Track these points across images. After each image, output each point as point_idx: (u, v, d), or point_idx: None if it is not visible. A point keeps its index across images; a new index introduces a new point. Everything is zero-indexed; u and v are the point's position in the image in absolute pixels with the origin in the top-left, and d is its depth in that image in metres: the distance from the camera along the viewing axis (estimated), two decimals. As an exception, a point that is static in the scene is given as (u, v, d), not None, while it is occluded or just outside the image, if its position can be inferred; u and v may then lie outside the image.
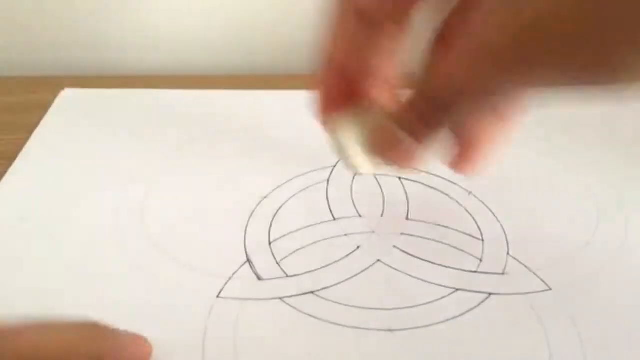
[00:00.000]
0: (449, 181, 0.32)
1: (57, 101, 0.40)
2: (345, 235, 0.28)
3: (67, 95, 0.41)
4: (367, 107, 0.23)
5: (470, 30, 0.18)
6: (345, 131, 0.24)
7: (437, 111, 0.20)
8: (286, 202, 0.31)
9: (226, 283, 0.26)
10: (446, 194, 0.31)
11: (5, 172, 0.33)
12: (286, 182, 0.32)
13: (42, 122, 0.38)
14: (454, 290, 0.26)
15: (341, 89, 0.24)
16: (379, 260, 0.27)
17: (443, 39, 0.23)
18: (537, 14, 0.16)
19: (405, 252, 0.27)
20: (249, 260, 0.27)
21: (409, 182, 0.32)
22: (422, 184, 0.32)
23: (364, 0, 0.21)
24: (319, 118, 0.25)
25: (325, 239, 0.28)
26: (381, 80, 0.24)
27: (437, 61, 0.19)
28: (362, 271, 0.26)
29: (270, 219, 0.29)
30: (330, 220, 0.29)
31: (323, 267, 0.27)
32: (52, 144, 0.36)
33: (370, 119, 0.23)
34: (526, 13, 0.16)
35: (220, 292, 0.25)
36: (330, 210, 0.30)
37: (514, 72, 0.18)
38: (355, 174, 0.26)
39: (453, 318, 0.24)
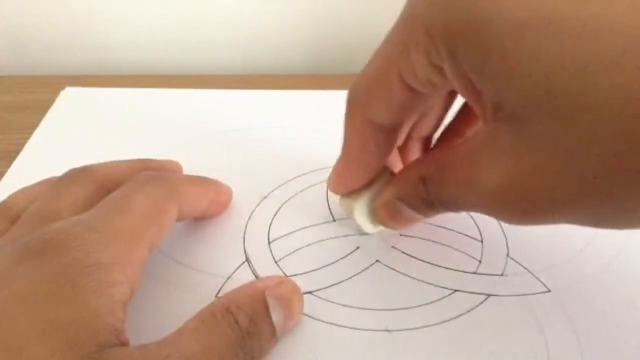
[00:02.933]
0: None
1: (58, 100, 0.40)
2: (345, 236, 0.28)
3: (68, 95, 0.41)
4: (377, 184, 0.26)
5: (475, 168, 0.20)
6: (355, 202, 0.26)
7: (436, 205, 0.23)
8: (286, 202, 0.31)
9: (225, 282, 0.26)
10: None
11: (5, 172, 0.33)
12: (286, 182, 0.32)
13: (43, 121, 0.38)
14: (452, 291, 0.26)
15: (357, 179, 0.26)
16: (377, 261, 0.27)
17: (446, 138, 0.27)
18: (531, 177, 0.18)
19: (404, 253, 0.27)
20: (247, 260, 0.27)
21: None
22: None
23: (376, 115, 0.23)
24: (335, 192, 0.27)
25: (325, 240, 0.28)
26: (395, 166, 0.27)
27: (443, 167, 0.22)
28: (361, 271, 0.26)
29: (270, 219, 0.29)
30: (329, 221, 0.29)
31: (322, 267, 0.27)
32: (53, 144, 0.36)
33: (378, 194, 0.26)
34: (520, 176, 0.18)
35: (218, 292, 0.25)
36: (330, 211, 0.30)
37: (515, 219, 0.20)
38: (362, 234, 0.29)
39: (451, 319, 0.24)
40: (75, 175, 0.25)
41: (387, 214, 0.25)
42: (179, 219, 0.25)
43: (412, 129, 0.27)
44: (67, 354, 0.17)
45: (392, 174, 0.26)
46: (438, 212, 0.24)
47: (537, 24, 0.16)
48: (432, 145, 0.28)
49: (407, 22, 0.20)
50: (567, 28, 0.15)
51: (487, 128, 0.19)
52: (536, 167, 0.17)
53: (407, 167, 0.25)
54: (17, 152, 0.35)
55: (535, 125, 0.17)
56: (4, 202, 0.25)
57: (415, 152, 0.28)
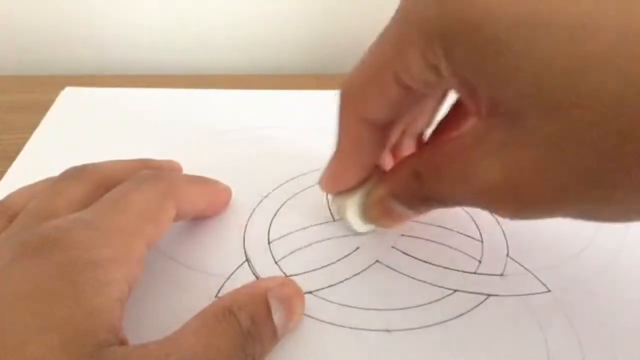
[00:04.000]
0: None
1: (58, 100, 0.40)
2: (344, 236, 0.28)
3: (68, 94, 0.41)
4: (369, 183, 0.26)
5: (471, 160, 0.20)
6: (347, 200, 0.26)
7: (430, 200, 0.23)
8: (286, 202, 0.31)
9: (224, 282, 0.26)
10: (446, 195, 0.31)
11: (5, 171, 0.33)
12: (286, 182, 0.32)
13: (43, 121, 0.38)
14: (452, 291, 0.26)
15: (350, 177, 0.26)
16: (377, 261, 0.27)
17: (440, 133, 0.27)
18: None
19: (404, 253, 0.27)
20: (247, 260, 0.27)
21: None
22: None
23: (370, 114, 0.23)
24: (328, 192, 0.28)
25: (324, 240, 0.28)
26: (386, 163, 0.27)
27: (435, 163, 0.22)
28: (361, 271, 0.26)
29: (270, 218, 0.30)
30: (329, 221, 0.29)
31: (322, 267, 0.27)
32: (53, 143, 0.36)
33: (370, 192, 0.26)
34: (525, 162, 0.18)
35: (218, 292, 0.25)
36: (330, 211, 0.30)
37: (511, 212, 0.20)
38: (355, 234, 0.28)
39: (452, 319, 0.24)
40: (74, 174, 0.25)
41: (379, 212, 0.25)
42: (177, 218, 0.25)
43: (405, 125, 0.27)
44: (65, 353, 0.17)
45: (384, 172, 0.26)
46: (432, 207, 0.24)
47: (530, 22, 0.16)
48: (425, 141, 0.28)
49: (401, 21, 0.20)
50: (559, 26, 0.16)
51: (483, 123, 0.19)
52: (532, 161, 0.17)
53: (399, 164, 0.25)
54: (17, 152, 0.35)
55: (530, 121, 0.17)
56: (2, 201, 0.25)
57: (407, 149, 0.28)
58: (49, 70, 0.49)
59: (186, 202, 0.26)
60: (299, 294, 0.24)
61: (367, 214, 0.26)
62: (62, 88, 0.41)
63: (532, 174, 0.17)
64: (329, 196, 0.28)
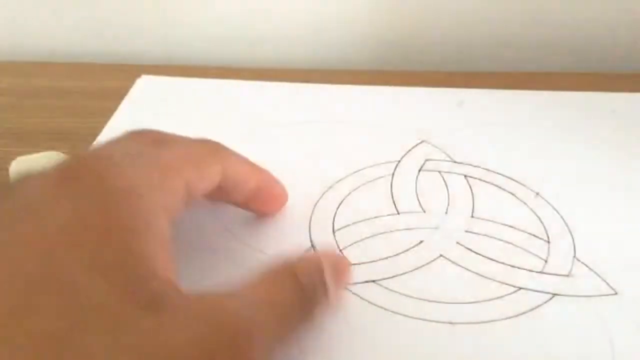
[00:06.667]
0: (515, 181, 0.31)
1: (134, 88, 0.42)
2: (408, 229, 0.29)
3: (144, 83, 0.43)
4: None
5: None
6: None
7: None
8: (350, 193, 0.31)
9: (291, 267, 0.26)
10: (512, 194, 0.31)
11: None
12: (351, 174, 0.32)
13: (120, 107, 0.40)
14: (517, 289, 0.25)
15: None
16: (441, 255, 0.27)
17: None
18: None
19: (469, 249, 0.27)
20: (313, 247, 0.28)
21: (475, 180, 0.32)
22: (489, 182, 0.32)
23: None
24: None
25: (388, 232, 0.29)
26: None
27: None
28: (425, 264, 0.27)
29: (335, 208, 0.30)
30: (393, 214, 0.30)
31: (385, 257, 0.27)
32: (130, 127, 0.37)
33: None
34: None
35: (285, 275, 0.26)
36: (394, 204, 0.30)
37: None
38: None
39: (515, 316, 0.24)
40: (134, 134, 0.26)
41: None
42: (226, 194, 0.26)
43: None
44: (121, 292, 0.17)
45: None
46: None
47: None
48: None
49: None
50: None
51: None
52: None
53: None
54: (94, 136, 0.36)
55: None
56: None
57: None
58: (127, 60, 0.51)
59: (233, 169, 0.26)
60: (345, 260, 0.26)
61: None
62: (139, 76, 0.43)
63: None
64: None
